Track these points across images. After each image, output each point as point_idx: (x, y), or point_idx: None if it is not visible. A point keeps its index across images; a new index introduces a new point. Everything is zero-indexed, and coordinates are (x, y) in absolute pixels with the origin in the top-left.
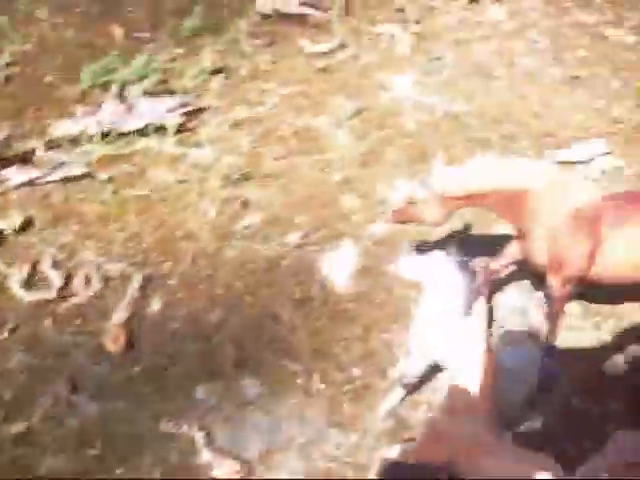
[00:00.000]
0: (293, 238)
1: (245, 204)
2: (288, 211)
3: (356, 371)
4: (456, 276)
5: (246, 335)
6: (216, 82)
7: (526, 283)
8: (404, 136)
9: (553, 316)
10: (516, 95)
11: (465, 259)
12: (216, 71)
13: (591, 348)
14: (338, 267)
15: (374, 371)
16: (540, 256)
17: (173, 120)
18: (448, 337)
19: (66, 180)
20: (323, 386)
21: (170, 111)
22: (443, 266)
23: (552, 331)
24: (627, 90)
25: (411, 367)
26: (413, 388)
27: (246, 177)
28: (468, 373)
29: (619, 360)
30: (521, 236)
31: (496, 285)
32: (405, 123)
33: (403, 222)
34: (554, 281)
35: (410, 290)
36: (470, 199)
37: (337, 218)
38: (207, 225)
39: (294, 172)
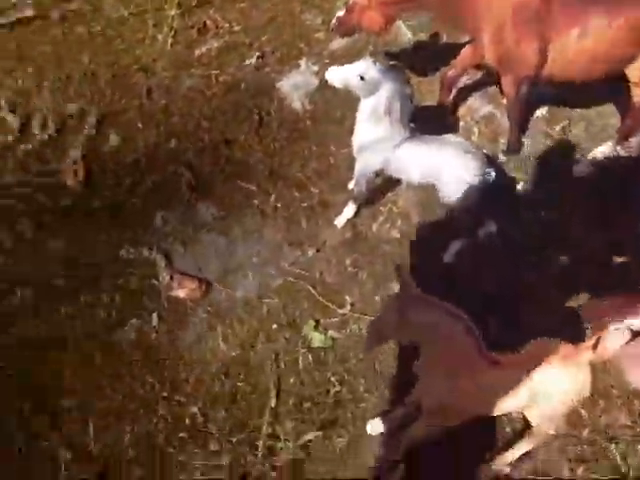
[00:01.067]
0: (251, 61)
1: (202, 31)
2: (247, 36)
3: (314, 189)
4: (385, 81)
5: (202, 161)
6: None
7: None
8: None
9: (512, 120)
10: None
11: (396, 63)
12: None
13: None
14: (296, 86)
15: (332, 186)
16: (491, 57)
17: None
18: (386, 143)
19: (17, 23)
20: (280, 205)
21: None
22: (372, 72)
23: (512, 135)
24: None
25: (357, 177)
26: (365, 199)
27: (203, 2)
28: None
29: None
30: (472, 39)
31: (461, 93)
32: None
33: (348, 33)
34: (507, 81)
35: None
36: (406, 1)
37: (297, 38)
38: (163, 56)
39: None
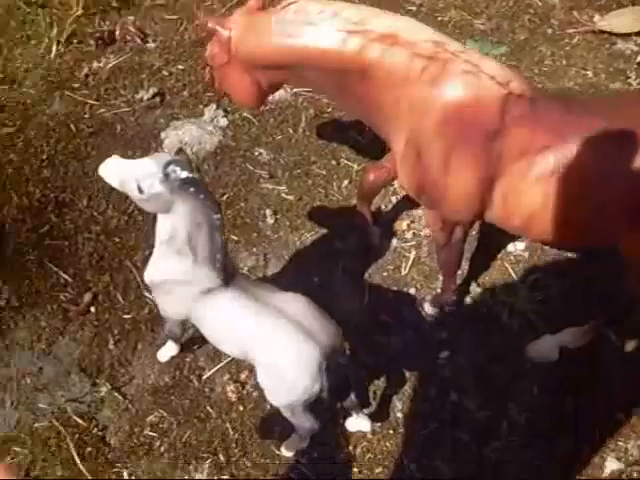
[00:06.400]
0: (144, 95)
1: (103, 41)
2: (160, 57)
3: None
4: (181, 201)
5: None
6: None
7: None
8: None
9: (442, 269)
10: None
11: (194, 177)
12: None
13: None
14: (186, 142)
15: None
16: (404, 179)
17: None
18: (187, 287)
19: None
20: None
21: None
22: (155, 187)
23: (445, 286)
24: None
25: (168, 326)
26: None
27: (127, 4)
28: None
29: None
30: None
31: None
32: None
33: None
34: (430, 220)
35: None
36: (279, 67)
37: None
38: (41, 66)
39: None
